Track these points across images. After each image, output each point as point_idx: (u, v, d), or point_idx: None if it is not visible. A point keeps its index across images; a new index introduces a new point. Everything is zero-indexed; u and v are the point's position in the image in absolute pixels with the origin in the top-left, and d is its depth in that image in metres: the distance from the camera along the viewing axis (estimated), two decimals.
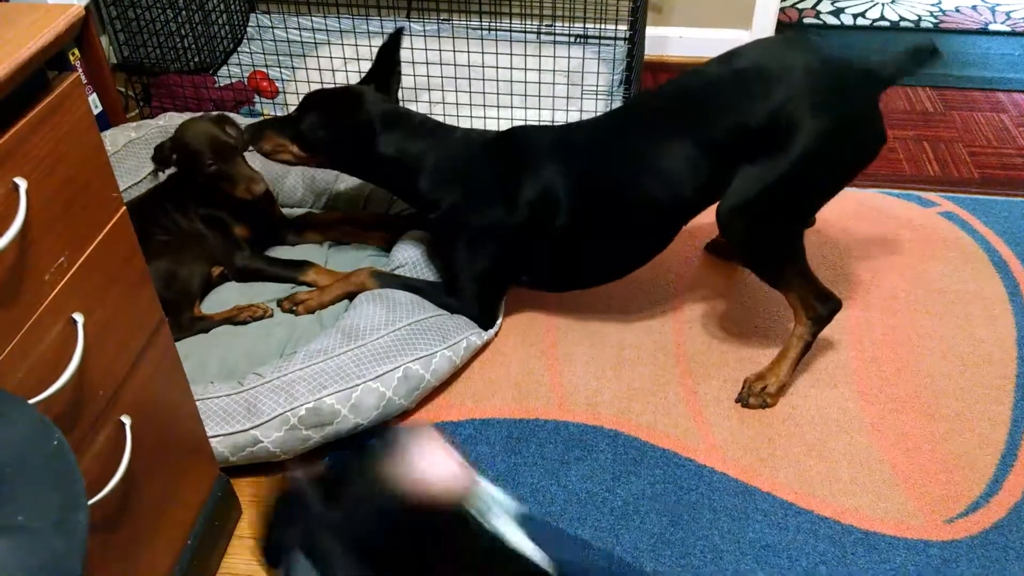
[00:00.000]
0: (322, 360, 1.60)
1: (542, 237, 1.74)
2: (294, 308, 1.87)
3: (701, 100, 1.61)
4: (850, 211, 2.21)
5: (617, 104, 2.35)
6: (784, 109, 1.50)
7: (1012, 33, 3.09)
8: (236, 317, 1.83)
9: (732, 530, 1.48)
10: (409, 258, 1.89)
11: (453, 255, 1.80)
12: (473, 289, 1.79)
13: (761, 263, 1.66)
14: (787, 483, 1.56)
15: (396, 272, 1.87)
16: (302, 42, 2.61)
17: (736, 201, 1.56)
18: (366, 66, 2.29)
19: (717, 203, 1.60)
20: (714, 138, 1.57)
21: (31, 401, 0.93)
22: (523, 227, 1.72)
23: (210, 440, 1.44)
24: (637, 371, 1.79)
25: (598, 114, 1.87)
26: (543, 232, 1.73)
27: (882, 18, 3.18)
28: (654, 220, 1.72)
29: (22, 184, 0.89)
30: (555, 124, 1.85)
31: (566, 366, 1.80)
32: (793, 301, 1.66)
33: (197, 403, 1.37)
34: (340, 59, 2.35)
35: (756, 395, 1.69)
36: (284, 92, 2.53)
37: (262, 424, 1.53)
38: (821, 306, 1.66)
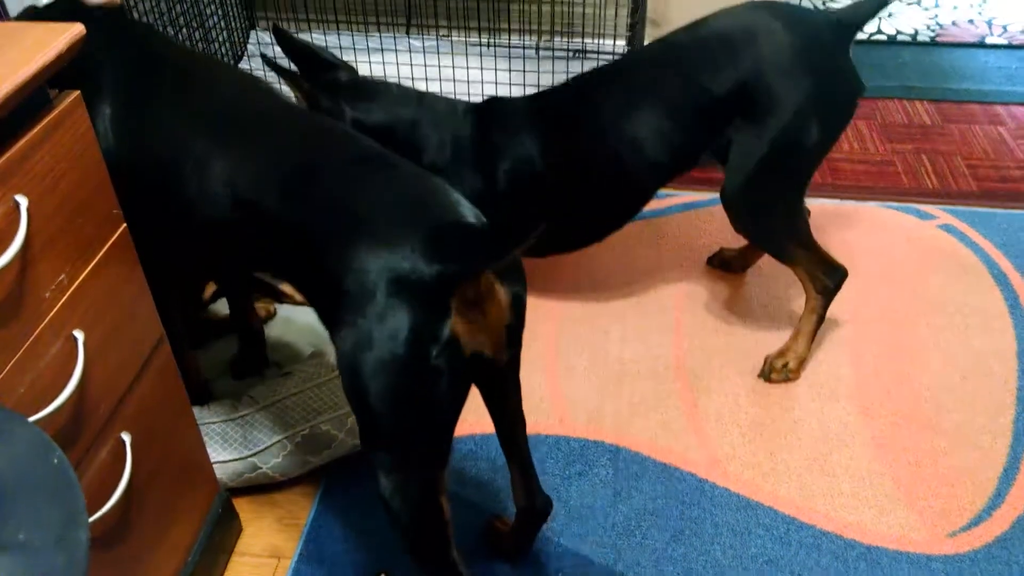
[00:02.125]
0: (314, 384, 1.60)
1: (524, 203, 1.75)
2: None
3: (667, 68, 1.65)
4: (849, 224, 2.21)
5: None
6: (757, 75, 1.54)
7: (1009, 46, 3.10)
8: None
9: (734, 545, 1.47)
10: None
11: None
12: None
13: (767, 237, 1.71)
14: (789, 497, 1.55)
15: None
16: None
17: (738, 180, 1.60)
18: None
19: (721, 187, 1.64)
20: (681, 106, 1.61)
21: (31, 418, 0.93)
22: (504, 195, 1.73)
23: None
24: (638, 386, 1.78)
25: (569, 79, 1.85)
26: (525, 199, 1.74)
27: (879, 32, 3.20)
28: (629, 184, 1.74)
29: (23, 202, 0.89)
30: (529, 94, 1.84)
31: (566, 381, 1.80)
32: (800, 274, 1.71)
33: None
34: None
35: (778, 370, 1.76)
36: None
37: (260, 451, 1.54)
38: (828, 278, 1.71)
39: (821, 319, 1.75)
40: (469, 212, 1.04)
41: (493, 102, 1.81)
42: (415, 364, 0.96)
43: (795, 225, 1.67)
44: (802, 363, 1.77)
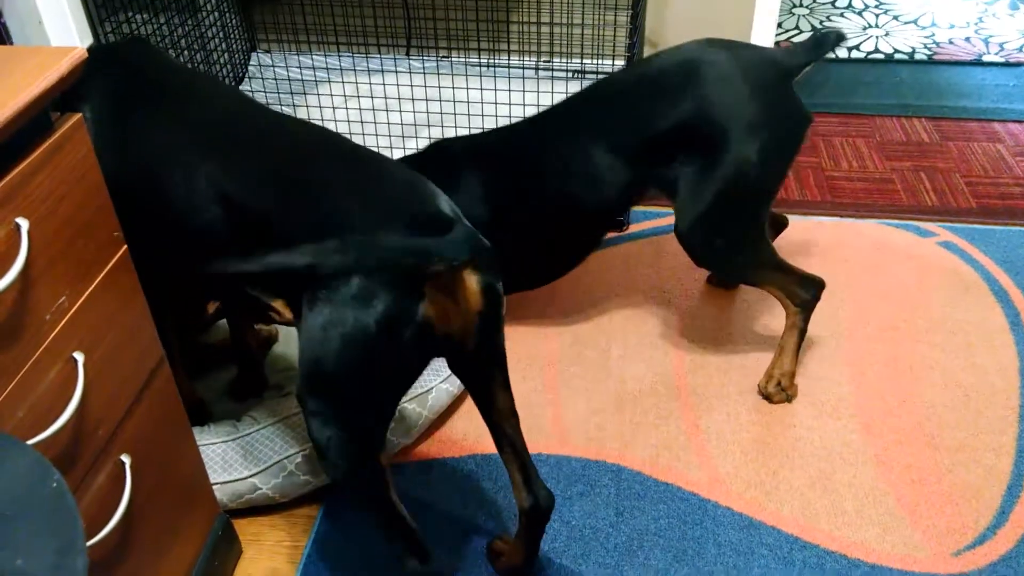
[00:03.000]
0: None
1: None
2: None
3: (610, 104, 1.66)
4: (848, 242, 2.21)
5: None
6: (701, 108, 1.55)
7: (1006, 64, 3.12)
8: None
9: (737, 565, 1.46)
10: None
11: None
12: None
13: (732, 268, 1.73)
14: (792, 517, 1.54)
15: None
16: (303, 80, 2.64)
17: (690, 216, 1.61)
18: (367, 103, 2.32)
19: (674, 223, 1.64)
20: (624, 142, 1.62)
21: (30, 441, 0.93)
22: None
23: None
24: (639, 405, 1.78)
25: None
26: None
27: (876, 51, 3.22)
28: (578, 222, 1.75)
29: (24, 224, 0.90)
30: (471, 134, 1.88)
31: (567, 400, 1.80)
32: (776, 293, 1.71)
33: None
34: (340, 96, 2.37)
35: (774, 392, 1.75)
36: None
37: (260, 472, 1.53)
38: (804, 291, 1.70)
39: (803, 332, 1.74)
40: (446, 204, 1.12)
41: (435, 146, 1.84)
42: (386, 343, 1.04)
43: (758, 253, 1.67)
44: (792, 376, 1.76)
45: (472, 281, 1.10)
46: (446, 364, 1.68)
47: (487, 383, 1.26)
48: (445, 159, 1.78)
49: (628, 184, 1.66)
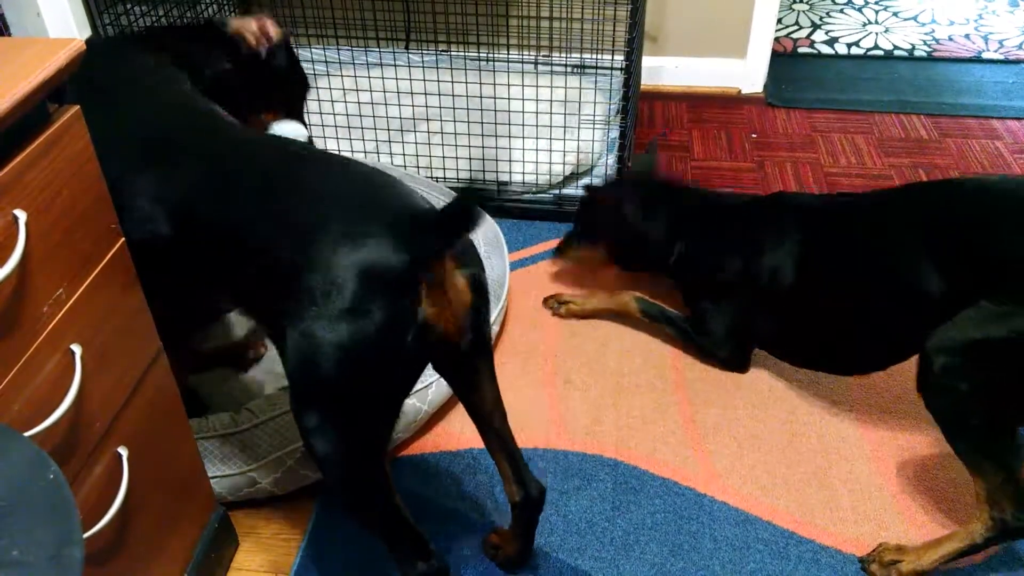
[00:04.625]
0: None
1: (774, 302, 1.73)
2: (557, 307, 2.01)
3: (955, 221, 1.46)
4: None
5: (614, 133, 2.37)
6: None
7: (1005, 61, 3.12)
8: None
9: (733, 560, 1.47)
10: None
11: (699, 302, 1.89)
12: (721, 334, 1.83)
13: (958, 429, 1.37)
14: (788, 512, 1.55)
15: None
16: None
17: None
18: (365, 96, 2.32)
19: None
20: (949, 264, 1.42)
21: (27, 433, 0.93)
22: (761, 290, 1.74)
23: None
24: (636, 400, 1.78)
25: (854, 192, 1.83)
26: (775, 297, 1.72)
27: (876, 47, 3.22)
28: (886, 320, 1.56)
29: (21, 216, 0.89)
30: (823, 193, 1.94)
31: (565, 395, 1.80)
32: (979, 486, 1.36)
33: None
34: (340, 90, 2.36)
35: (883, 564, 1.43)
36: None
37: (259, 466, 1.53)
38: (1014, 513, 1.33)
39: (972, 550, 1.38)
40: (421, 201, 1.10)
41: (778, 197, 1.87)
42: (391, 351, 1.01)
43: (999, 439, 1.34)
44: (916, 574, 1.43)
45: (460, 276, 1.09)
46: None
47: (475, 377, 1.25)
48: (782, 213, 1.77)
49: (937, 306, 1.42)
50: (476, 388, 1.26)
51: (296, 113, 1.70)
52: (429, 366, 1.67)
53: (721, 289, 1.81)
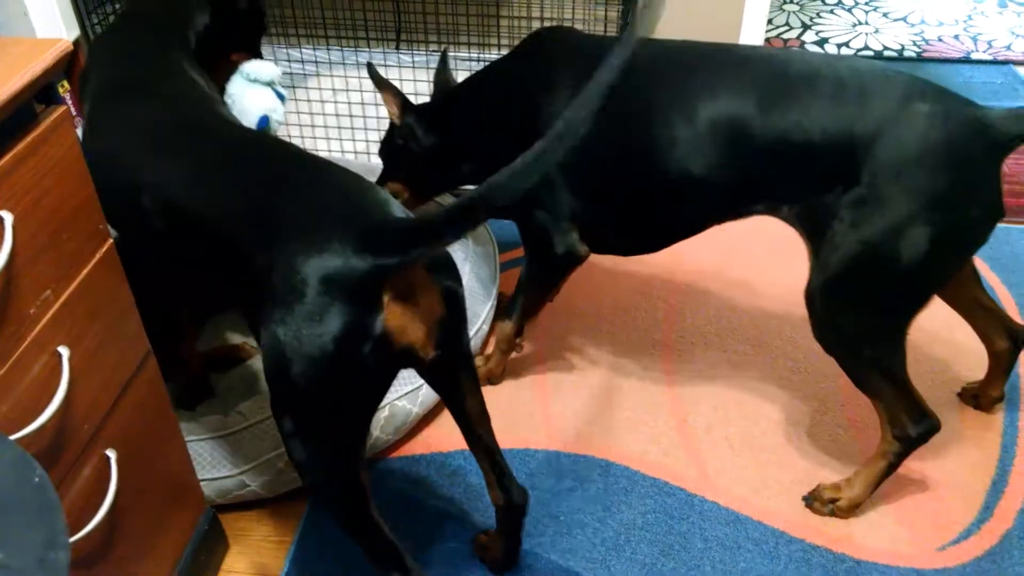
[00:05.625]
0: None
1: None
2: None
3: (750, 78, 1.39)
4: None
5: None
6: (876, 149, 1.29)
7: (994, 62, 3.13)
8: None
9: (724, 560, 1.47)
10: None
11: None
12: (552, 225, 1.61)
13: (847, 356, 1.43)
14: (778, 511, 1.55)
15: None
16: (292, 73, 2.63)
17: (821, 278, 1.37)
18: (356, 96, 2.31)
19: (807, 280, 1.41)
20: (759, 132, 1.37)
21: (14, 436, 0.92)
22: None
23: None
24: (627, 400, 1.78)
25: None
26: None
27: (866, 47, 3.23)
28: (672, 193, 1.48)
29: (8, 217, 0.89)
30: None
31: (556, 395, 1.80)
32: (879, 411, 1.45)
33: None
34: (330, 90, 2.36)
35: (823, 502, 1.54)
36: None
37: (249, 469, 1.53)
38: (912, 425, 1.42)
39: (892, 468, 1.48)
40: (398, 210, 1.08)
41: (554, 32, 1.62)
42: (346, 359, 0.99)
43: (886, 352, 1.39)
44: (854, 507, 1.52)
45: (431, 287, 1.07)
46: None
47: (455, 388, 1.23)
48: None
49: (747, 181, 1.40)
50: (458, 398, 1.25)
51: (256, 50, 1.69)
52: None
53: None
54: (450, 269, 1.10)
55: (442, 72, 1.84)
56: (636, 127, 1.46)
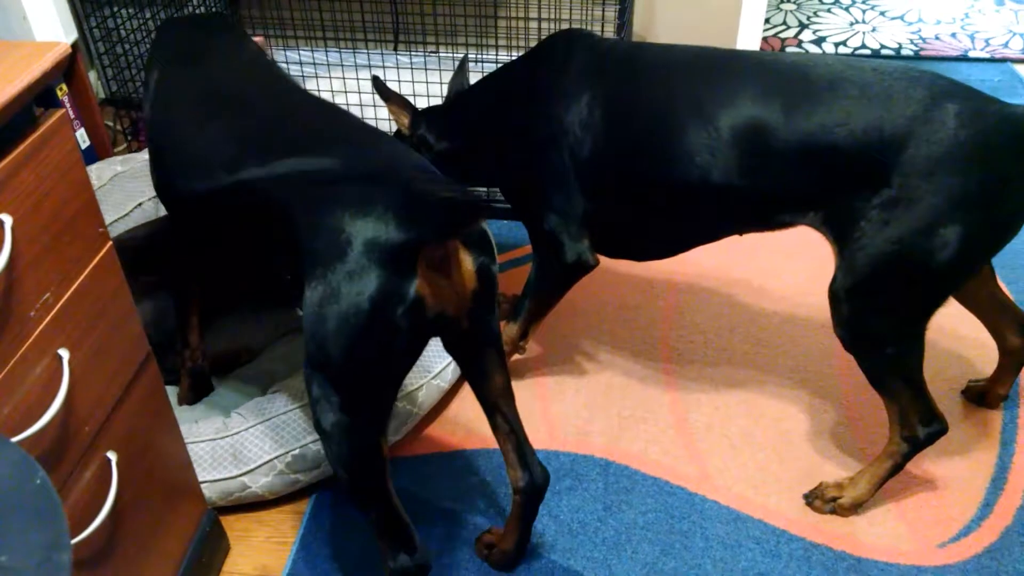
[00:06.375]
0: (305, 403, 1.59)
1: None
2: None
3: (787, 80, 1.39)
4: None
5: None
6: (904, 149, 1.29)
7: (991, 59, 3.14)
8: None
9: (724, 558, 1.47)
10: None
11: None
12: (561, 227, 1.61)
13: (867, 354, 1.44)
14: (779, 510, 1.55)
15: None
16: (289, 75, 2.63)
17: (849, 278, 1.38)
18: (354, 99, 2.32)
19: (832, 278, 1.42)
20: (789, 134, 1.36)
21: (15, 439, 0.92)
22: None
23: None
24: (627, 399, 1.79)
25: None
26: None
27: (863, 46, 3.23)
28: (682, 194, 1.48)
29: (7, 220, 0.89)
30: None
31: (555, 395, 1.80)
32: (891, 412, 1.46)
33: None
34: (328, 92, 2.36)
35: (825, 500, 1.54)
36: None
37: (250, 471, 1.53)
38: (922, 427, 1.44)
39: (897, 468, 1.49)
40: (440, 179, 1.13)
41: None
42: (380, 319, 1.04)
43: (908, 350, 1.40)
44: (856, 506, 1.53)
45: (466, 260, 1.11)
46: (436, 357, 1.70)
47: (482, 362, 1.26)
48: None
49: (761, 193, 1.40)
50: (484, 373, 1.28)
51: None
52: (427, 368, 1.68)
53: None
54: (485, 245, 1.14)
55: (459, 77, 1.85)
56: (655, 133, 1.46)
